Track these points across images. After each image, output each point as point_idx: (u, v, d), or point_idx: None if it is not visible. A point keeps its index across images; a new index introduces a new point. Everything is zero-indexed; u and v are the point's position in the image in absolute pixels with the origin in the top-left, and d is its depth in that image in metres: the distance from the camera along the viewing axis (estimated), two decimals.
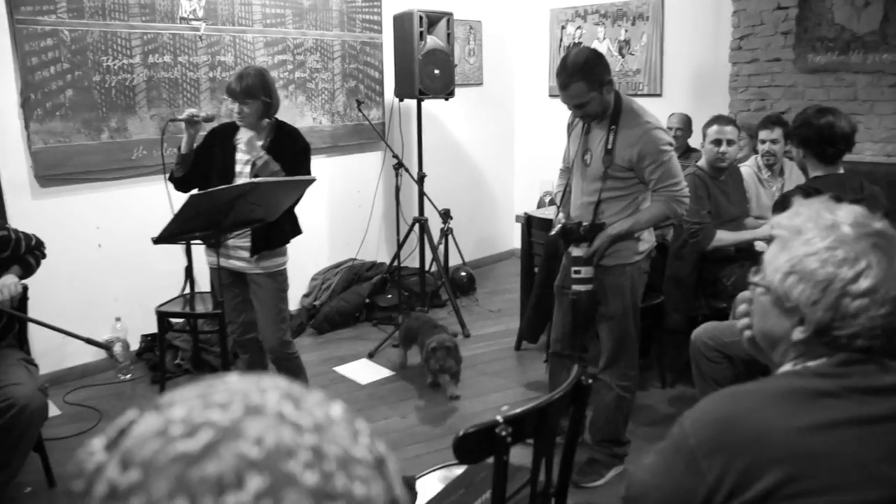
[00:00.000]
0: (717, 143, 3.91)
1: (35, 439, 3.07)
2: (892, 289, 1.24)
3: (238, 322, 3.64)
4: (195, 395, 0.54)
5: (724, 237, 3.88)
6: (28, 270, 3.18)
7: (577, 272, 3.03)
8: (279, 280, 3.52)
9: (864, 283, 1.23)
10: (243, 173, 3.34)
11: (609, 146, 2.97)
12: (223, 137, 3.38)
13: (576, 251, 3.02)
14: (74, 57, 4.24)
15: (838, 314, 1.25)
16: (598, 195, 3.04)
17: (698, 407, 1.33)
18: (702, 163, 4.02)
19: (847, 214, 1.29)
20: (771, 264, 1.33)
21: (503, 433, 1.66)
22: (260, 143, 3.32)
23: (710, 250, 3.88)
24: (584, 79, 2.89)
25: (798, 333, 1.30)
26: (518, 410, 1.73)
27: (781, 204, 3.09)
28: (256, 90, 3.23)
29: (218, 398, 0.53)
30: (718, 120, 3.98)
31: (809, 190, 3.05)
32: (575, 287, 3.05)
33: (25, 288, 3.16)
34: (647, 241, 3.16)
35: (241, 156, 3.37)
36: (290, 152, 3.34)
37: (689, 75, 5.87)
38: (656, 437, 3.58)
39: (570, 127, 3.26)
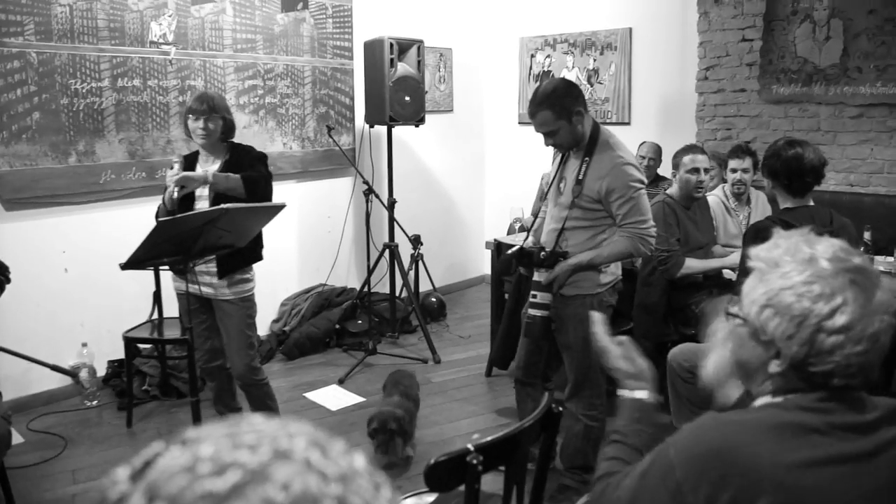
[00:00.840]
0: (695, 171, 3.96)
1: None
2: (869, 326, 1.23)
3: (204, 349, 3.61)
4: (223, 433, 0.55)
5: (692, 265, 3.93)
6: None
7: (534, 296, 3.05)
8: (246, 306, 3.50)
9: (839, 320, 1.22)
10: (202, 197, 3.35)
11: (580, 176, 3.00)
12: (185, 168, 3.37)
13: (536, 276, 3.04)
14: (42, 79, 4.20)
15: (813, 350, 1.24)
16: (563, 223, 3.07)
17: (683, 435, 1.32)
18: (671, 191, 4.08)
19: (826, 248, 1.29)
20: (748, 296, 1.33)
21: (474, 461, 1.66)
22: (215, 167, 3.36)
23: (679, 277, 3.93)
24: (550, 108, 2.94)
25: (774, 367, 1.30)
26: (489, 438, 1.73)
27: (752, 234, 3.12)
28: (220, 107, 3.32)
29: (247, 439, 0.54)
30: (692, 149, 4.04)
31: (779, 222, 3.10)
32: (530, 311, 3.06)
33: None
34: (611, 273, 3.14)
35: (199, 171, 3.38)
36: (247, 160, 3.37)
37: (657, 104, 5.97)
38: None
39: (555, 155, 3.29)
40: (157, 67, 4.70)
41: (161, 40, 4.70)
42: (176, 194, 3.12)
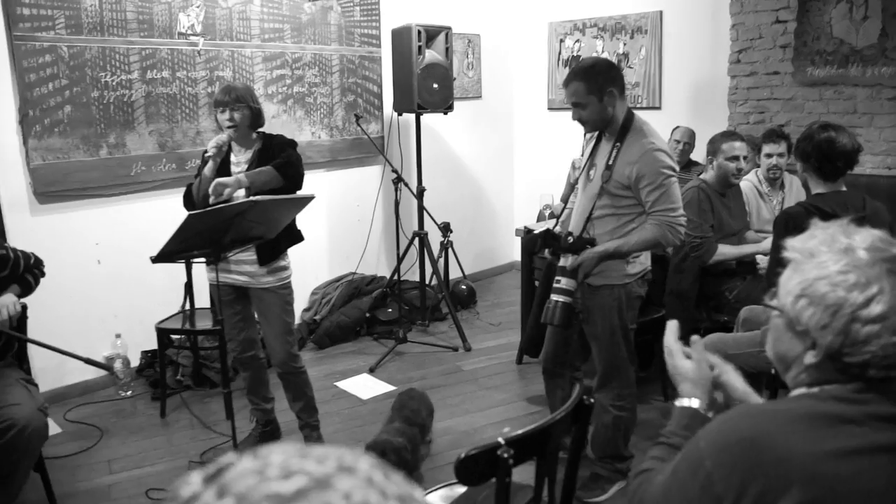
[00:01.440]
0: (734, 159, 3.88)
1: (36, 459, 3.05)
2: None
3: (238, 340, 3.62)
4: (294, 448, 0.58)
5: (725, 251, 3.87)
6: (27, 289, 3.16)
7: (558, 281, 2.99)
8: (284, 293, 3.51)
9: (875, 309, 1.20)
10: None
11: (610, 161, 2.96)
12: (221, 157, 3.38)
13: (562, 261, 3.00)
14: (73, 73, 4.23)
15: (848, 340, 1.21)
16: (591, 210, 3.02)
17: (714, 427, 1.30)
18: (706, 177, 4.00)
19: (864, 238, 1.26)
20: (784, 287, 1.31)
21: (505, 455, 1.65)
22: (247, 156, 3.37)
23: (712, 264, 3.87)
24: (584, 80, 2.91)
25: (810, 357, 1.28)
26: (520, 432, 1.71)
27: (783, 221, 3.07)
28: (245, 96, 3.31)
29: (315, 453, 0.57)
30: (732, 136, 3.96)
31: (810, 208, 3.04)
32: (552, 296, 3.01)
33: (25, 307, 3.15)
34: (640, 263, 3.08)
35: (235, 169, 3.38)
36: (278, 150, 3.36)
37: (688, 88, 5.88)
38: None
39: (587, 142, 3.24)
40: (186, 59, 4.72)
41: (189, 31, 4.71)
42: (212, 199, 3.09)
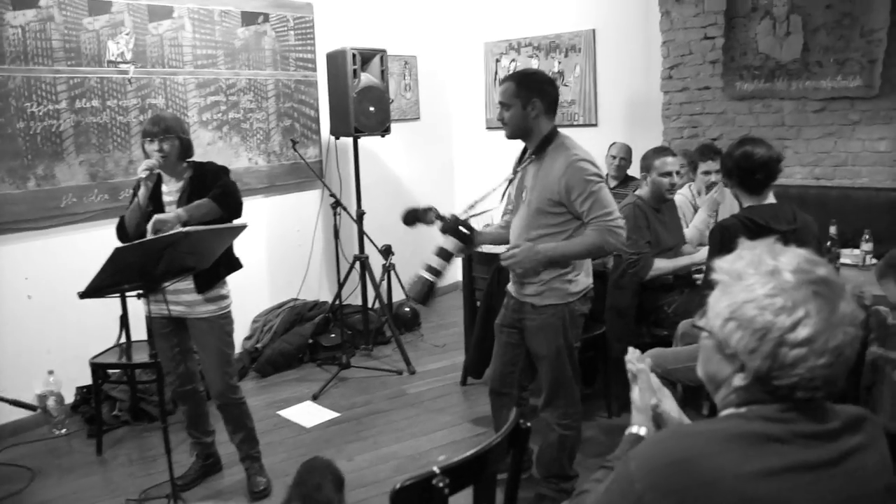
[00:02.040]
0: (667, 174, 3.94)
1: None
2: (833, 339, 1.22)
3: (176, 373, 3.54)
4: None
5: (662, 265, 3.93)
6: None
7: (431, 260, 3.04)
8: (223, 323, 3.45)
9: (802, 333, 1.21)
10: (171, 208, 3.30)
11: (535, 179, 2.99)
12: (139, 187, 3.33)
13: (444, 242, 3.04)
14: None
15: (776, 363, 1.23)
16: (531, 232, 3.03)
17: (644, 448, 1.30)
18: (641, 193, 4.06)
19: (790, 260, 1.27)
20: (713, 308, 1.32)
21: (440, 484, 1.63)
22: (178, 186, 3.34)
23: (650, 279, 3.92)
24: (516, 82, 2.96)
25: (738, 380, 1.29)
26: (455, 460, 1.70)
27: (718, 234, 3.12)
28: (174, 127, 3.28)
29: None
30: (664, 152, 4.02)
31: (744, 220, 3.10)
32: (421, 272, 3.04)
33: None
34: (582, 282, 3.09)
35: (168, 198, 3.34)
36: (210, 176, 3.34)
37: (623, 104, 5.97)
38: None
39: (514, 172, 3.23)
40: (116, 87, 4.63)
41: (119, 59, 4.63)
42: (150, 233, 3.03)
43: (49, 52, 4.31)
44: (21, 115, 4.22)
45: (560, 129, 3.07)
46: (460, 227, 3.07)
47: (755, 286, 1.26)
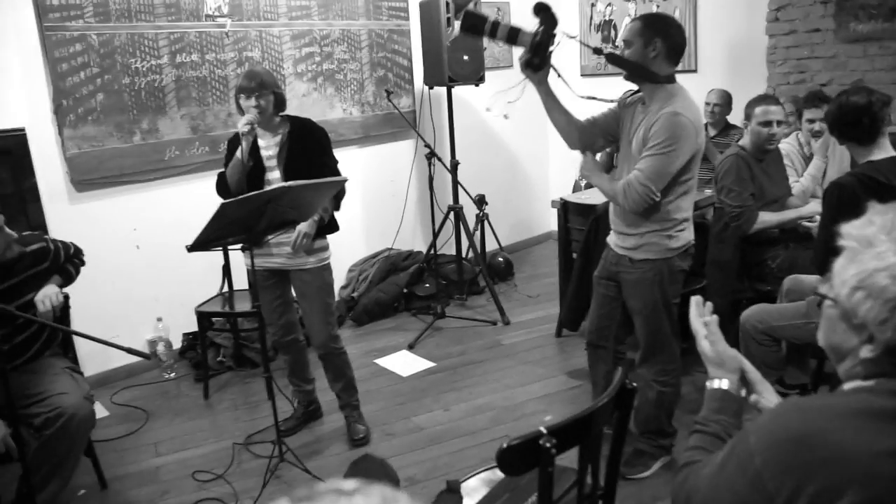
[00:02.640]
0: (767, 124, 3.74)
1: (84, 446, 3.11)
2: None
3: (278, 324, 3.63)
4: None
5: (766, 219, 3.77)
6: (68, 279, 3.20)
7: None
8: (324, 275, 3.51)
9: None
10: (271, 167, 3.37)
11: (640, 125, 2.90)
12: (235, 141, 3.37)
13: (523, 35, 2.77)
14: (103, 61, 4.24)
15: None
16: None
17: (764, 422, 1.25)
18: (744, 143, 3.88)
19: None
20: (839, 276, 1.25)
21: (547, 444, 1.63)
22: (275, 140, 3.37)
23: (753, 233, 3.78)
24: (642, 21, 2.86)
25: (866, 351, 1.22)
26: (561, 421, 1.69)
27: (835, 193, 2.95)
28: (269, 82, 3.29)
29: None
30: (765, 100, 3.82)
31: (862, 178, 2.92)
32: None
33: (67, 297, 3.19)
34: (683, 238, 2.99)
35: (266, 153, 3.38)
36: (312, 145, 3.37)
37: (725, 49, 5.72)
38: None
39: (621, 104, 3.13)
40: (214, 41, 4.70)
41: (216, 13, 4.69)
42: (247, 128, 3.17)
43: (151, 8, 4.40)
44: (126, 71, 4.34)
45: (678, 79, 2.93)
46: (544, 47, 2.80)
47: (887, 254, 1.18)
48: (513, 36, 2.78)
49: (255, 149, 3.36)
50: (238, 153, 3.27)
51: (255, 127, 3.27)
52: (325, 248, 3.51)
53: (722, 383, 1.59)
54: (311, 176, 3.08)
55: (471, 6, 3.02)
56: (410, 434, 3.72)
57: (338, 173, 3.38)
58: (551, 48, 2.82)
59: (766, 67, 5.42)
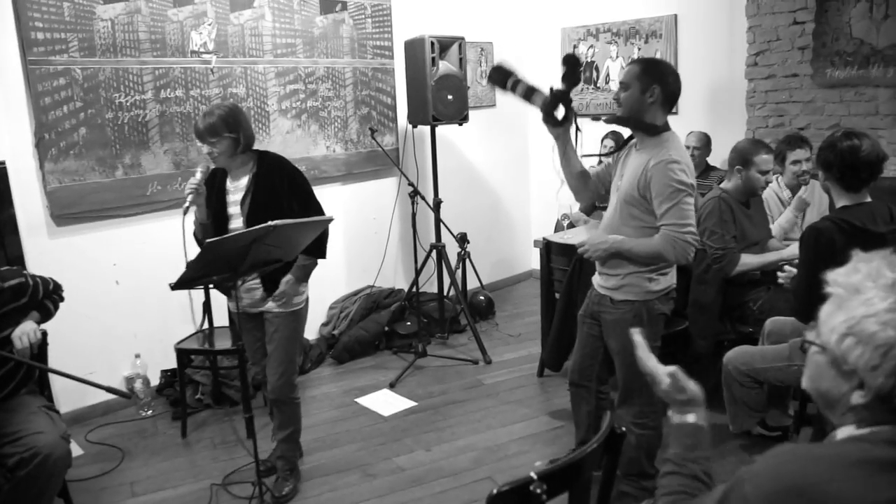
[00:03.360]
0: (766, 172, 3.81)
1: (59, 487, 3.04)
2: None
3: (261, 364, 3.59)
4: None
5: (748, 261, 3.81)
6: (46, 315, 3.15)
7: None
8: (294, 318, 3.45)
9: None
10: (234, 215, 3.31)
11: (630, 169, 2.93)
12: (214, 182, 3.34)
13: (536, 96, 2.96)
14: (87, 95, 4.23)
15: None
16: (617, 222, 2.97)
17: (760, 471, 1.25)
18: (727, 186, 3.93)
19: None
20: (826, 324, 1.26)
21: (538, 490, 1.61)
22: (243, 182, 3.30)
23: (735, 275, 3.81)
24: (641, 65, 2.90)
25: (857, 398, 1.23)
26: (552, 466, 1.68)
27: (812, 237, 2.98)
28: (219, 128, 3.16)
29: None
30: (764, 148, 3.82)
31: (839, 222, 2.96)
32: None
33: (45, 333, 3.14)
34: (664, 281, 3.00)
35: (231, 197, 3.33)
36: (283, 185, 3.29)
37: (705, 92, 5.81)
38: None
39: (616, 157, 3.17)
40: (199, 77, 4.71)
41: (202, 49, 4.70)
42: (187, 202, 3.12)
43: (136, 43, 4.41)
44: (110, 105, 4.33)
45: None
46: (563, 104, 2.94)
47: (874, 300, 1.21)
48: (528, 95, 2.97)
49: (222, 191, 3.33)
50: (198, 215, 3.25)
51: (202, 192, 3.20)
52: (301, 291, 3.45)
53: (690, 417, 1.59)
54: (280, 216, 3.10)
55: (503, 62, 3.11)
56: (392, 475, 3.67)
57: (318, 207, 3.36)
58: (572, 106, 2.96)
59: (745, 110, 5.51)
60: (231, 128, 3.19)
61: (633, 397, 3.10)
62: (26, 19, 3.96)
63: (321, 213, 3.34)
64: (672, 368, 1.67)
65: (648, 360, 1.71)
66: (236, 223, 3.30)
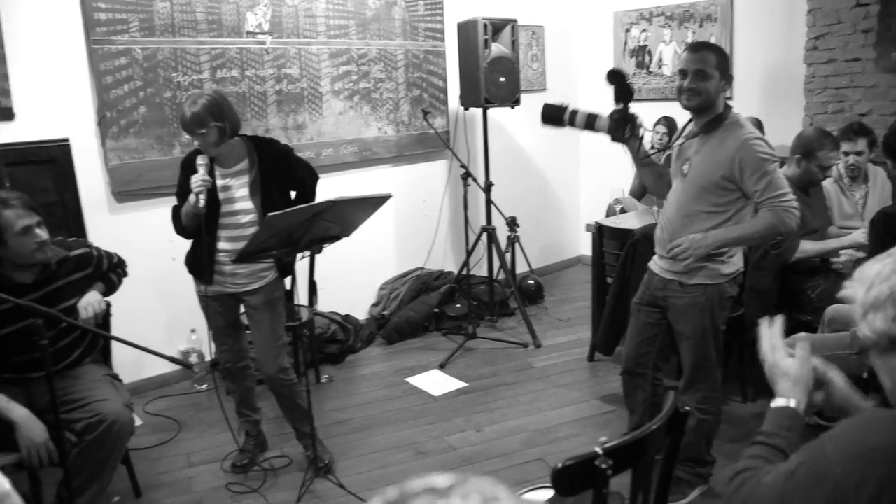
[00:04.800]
0: (826, 168, 3.77)
1: (123, 453, 3.13)
2: None
3: (233, 349, 3.60)
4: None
5: (807, 247, 3.74)
6: (111, 288, 3.23)
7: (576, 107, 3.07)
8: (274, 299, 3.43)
9: None
10: (234, 199, 3.25)
11: (702, 155, 2.90)
12: (188, 168, 3.26)
13: (600, 120, 3.00)
14: (147, 74, 4.31)
15: None
16: (693, 207, 2.93)
17: (842, 433, 1.25)
18: (787, 172, 3.83)
19: None
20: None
21: (603, 465, 1.61)
22: (247, 161, 3.28)
23: (794, 262, 3.75)
24: (717, 54, 2.88)
25: None
26: (617, 441, 1.68)
27: (881, 222, 2.93)
28: (205, 118, 3.08)
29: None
30: (831, 143, 3.75)
31: None
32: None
33: (108, 305, 3.22)
34: (735, 264, 3.00)
35: (227, 182, 3.27)
36: (283, 164, 3.31)
37: (761, 77, 5.71)
38: (740, 453, 3.47)
39: (673, 140, 3.16)
40: (254, 57, 4.76)
41: (257, 30, 4.75)
42: (202, 202, 3.06)
43: (194, 24, 4.47)
44: (168, 84, 4.40)
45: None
46: (624, 126, 2.96)
47: None
48: (590, 123, 3.00)
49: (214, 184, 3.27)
50: (191, 201, 3.13)
51: (210, 183, 3.14)
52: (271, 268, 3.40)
53: (790, 402, 1.57)
54: (286, 196, 3.22)
55: (549, 101, 3.14)
56: (443, 454, 3.70)
57: (314, 176, 3.41)
58: (637, 121, 2.98)
59: (803, 96, 5.40)
60: (216, 116, 3.11)
61: (698, 382, 3.08)
62: (90, 0, 4.04)
63: (315, 175, 3.42)
64: (801, 336, 1.70)
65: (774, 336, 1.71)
66: (240, 206, 3.25)
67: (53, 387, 2.50)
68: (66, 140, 4.10)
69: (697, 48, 2.92)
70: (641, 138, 3.05)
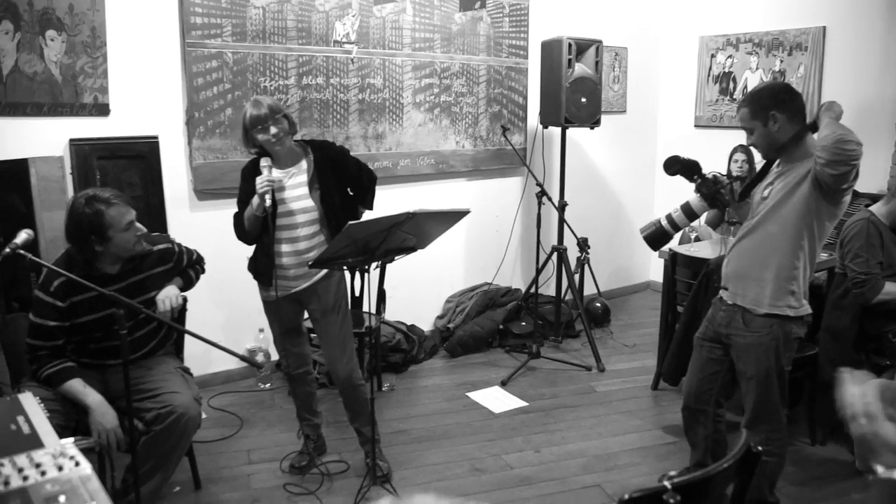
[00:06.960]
0: None
1: (188, 445, 3.21)
2: None
3: (290, 350, 3.65)
4: None
5: (892, 289, 3.61)
6: (189, 283, 3.32)
7: (670, 213, 3.09)
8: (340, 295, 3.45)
9: None
10: (289, 199, 3.24)
11: (776, 184, 2.85)
12: (250, 175, 3.23)
13: (693, 201, 3.04)
14: (235, 77, 4.43)
15: None
16: (777, 229, 2.86)
17: None
18: (877, 210, 3.74)
19: None
20: None
21: (671, 501, 1.59)
22: (304, 162, 3.28)
23: (875, 303, 3.62)
24: (748, 105, 2.85)
25: None
26: (686, 478, 1.65)
27: None
28: (278, 107, 3.15)
29: None
30: None
31: None
32: (659, 218, 3.13)
33: (185, 300, 3.30)
34: (804, 307, 2.92)
35: (297, 195, 3.27)
36: (342, 163, 3.33)
37: (851, 110, 5.48)
38: (805, 498, 3.37)
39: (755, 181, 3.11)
40: (340, 66, 4.85)
41: (344, 39, 4.84)
42: (268, 202, 3.06)
43: (283, 31, 4.57)
44: (255, 88, 4.51)
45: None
46: (720, 191, 3.00)
47: None
48: (691, 215, 3.09)
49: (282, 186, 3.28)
50: (254, 203, 3.14)
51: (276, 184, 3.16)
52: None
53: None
54: (345, 196, 3.26)
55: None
56: (500, 471, 3.69)
57: (372, 178, 3.44)
58: (719, 180, 3.05)
59: (894, 132, 5.24)
60: (283, 109, 3.20)
61: (760, 422, 3.00)
62: (188, 4, 4.19)
63: (373, 176, 3.44)
64: None
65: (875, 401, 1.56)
66: (296, 205, 3.24)
67: (128, 375, 2.58)
68: (156, 137, 4.24)
69: (738, 107, 2.93)
70: (731, 183, 3.04)
